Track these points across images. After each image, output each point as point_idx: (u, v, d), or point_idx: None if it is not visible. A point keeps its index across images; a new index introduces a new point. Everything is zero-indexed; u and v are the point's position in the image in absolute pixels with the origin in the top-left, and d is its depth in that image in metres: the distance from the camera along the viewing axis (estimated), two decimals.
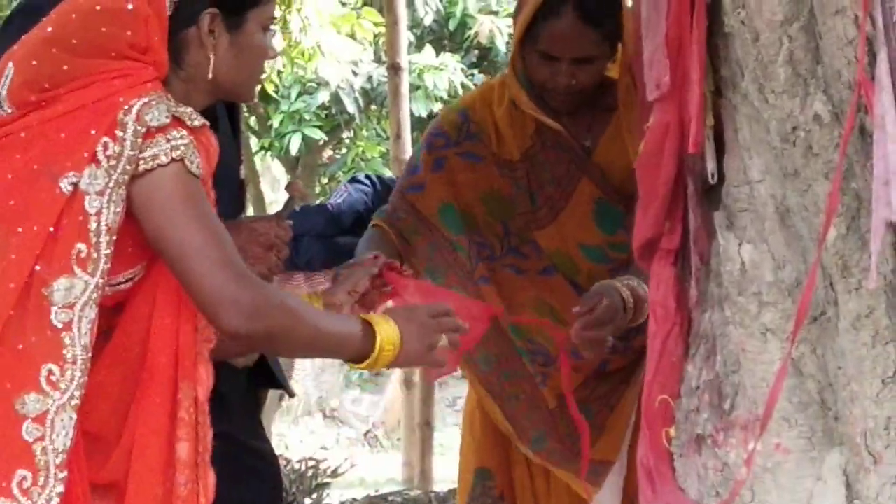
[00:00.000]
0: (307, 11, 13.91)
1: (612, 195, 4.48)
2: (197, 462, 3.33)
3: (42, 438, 3.16)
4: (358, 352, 3.23)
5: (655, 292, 3.31)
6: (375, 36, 14.95)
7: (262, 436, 4.33)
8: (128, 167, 3.09)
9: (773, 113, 2.98)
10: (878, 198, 2.64)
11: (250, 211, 7.02)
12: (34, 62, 3.23)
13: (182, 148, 3.13)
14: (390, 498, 9.85)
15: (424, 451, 10.37)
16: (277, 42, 13.91)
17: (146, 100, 3.13)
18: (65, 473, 3.19)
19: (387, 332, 3.20)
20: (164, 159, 3.11)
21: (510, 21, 18.24)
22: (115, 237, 3.14)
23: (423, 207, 4.59)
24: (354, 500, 9.75)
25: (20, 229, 3.14)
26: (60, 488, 3.17)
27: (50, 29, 3.26)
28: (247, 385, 3.93)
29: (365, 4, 15.09)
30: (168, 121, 3.12)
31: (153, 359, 3.30)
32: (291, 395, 4.39)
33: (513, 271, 4.62)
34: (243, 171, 4.23)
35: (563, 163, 4.52)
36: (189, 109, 3.19)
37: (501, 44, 18.54)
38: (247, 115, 14.78)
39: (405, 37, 11.32)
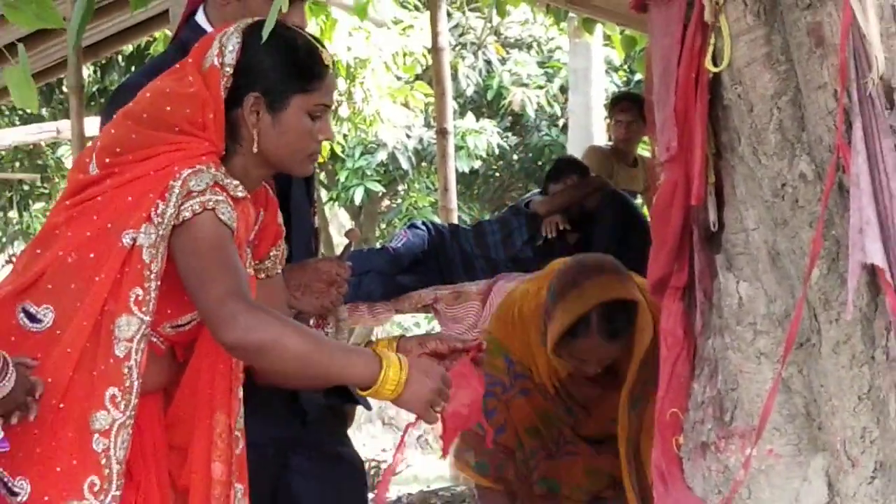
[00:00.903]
0: (368, 84, 13.87)
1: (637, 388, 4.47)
2: (231, 480, 3.37)
3: (108, 450, 3.18)
4: (362, 381, 3.13)
5: (666, 322, 3.30)
6: (426, 105, 14.88)
7: (348, 444, 4.32)
8: (169, 222, 3.11)
9: (765, 172, 2.99)
10: (854, 243, 2.64)
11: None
12: (112, 131, 3.28)
13: (214, 201, 3.13)
14: (440, 493, 9.80)
15: None
16: (343, 111, 13.97)
17: (195, 170, 3.14)
18: (122, 480, 3.21)
19: (394, 373, 3.10)
20: (198, 209, 3.11)
21: (539, 92, 18.18)
22: (160, 282, 3.17)
23: (508, 441, 4.57)
24: (410, 494, 9.71)
25: (97, 278, 3.17)
26: (118, 492, 3.19)
27: (130, 105, 3.31)
28: (326, 400, 3.91)
29: (417, 79, 15.04)
30: (207, 187, 3.14)
31: (198, 393, 3.36)
32: (368, 408, 4.37)
33: (570, 457, 4.67)
34: (316, 220, 4.23)
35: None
36: (235, 182, 3.20)
37: (531, 111, 18.48)
38: (318, 170, 14.76)
39: (451, 105, 11.27)
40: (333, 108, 4.07)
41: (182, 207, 3.11)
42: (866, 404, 2.79)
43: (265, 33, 3.35)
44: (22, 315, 3.22)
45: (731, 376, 3.12)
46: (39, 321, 3.22)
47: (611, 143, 9.45)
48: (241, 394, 3.36)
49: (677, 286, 3.27)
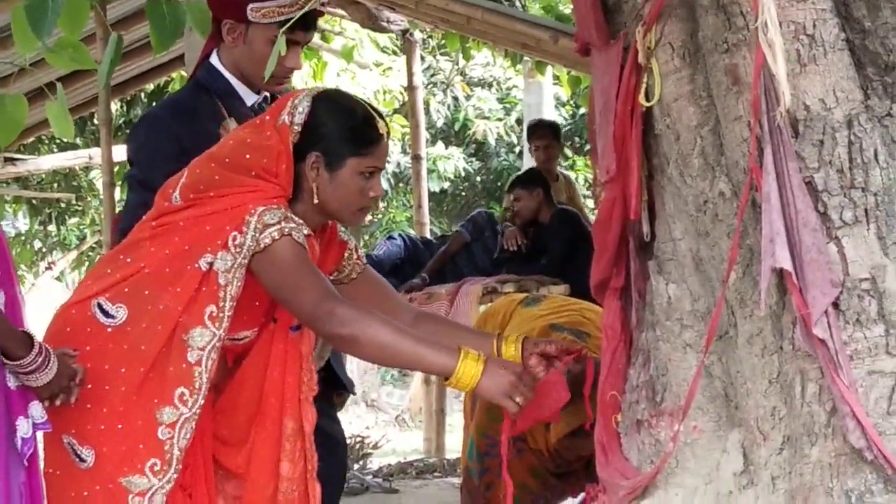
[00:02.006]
0: None
1: None
2: (305, 477, 3.40)
3: (171, 438, 3.23)
4: (441, 371, 3.16)
5: (607, 318, 3.29)
6: (402, 135, 14.88)
7: (336, 422, 4.32)
8: (248, 252, 3.17)
9: (689, 191, 2.99)
10: (765, 251, 2.64)
11: None
12: (197, 171, 3.32)
13: (289, 228, 3.19)
14: (415, 463, 9.79)
15: (439, 430, 10.30)
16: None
17: (267, 207, 3.20)
18: (181, 465, 3.25)
19: (468, 367, 3.10)
20: (276, 235, 3.17)
21: (498, 124, 18.14)
22: (235, 303, 3.22)
23: (493, 500, 4.49)
24: (389, 465, 9.69)
25: (170, 289, 3.21)
26: (176, 475, 3.23)
27: (214, 149, 3.36)
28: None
29: (395, 112, 15.04)
30: (280, 219, 3.18)
31: (266, 399, 3.40)
32: (353, 392, 4.38)
33: None
34: None
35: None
36: (299, 222, 3.23)
37: (492, 140, 18.55)
38: None
39: (423, 135, 11.28)
40: None
41: (261, 236, 3.16)
42: (776, 387, 2.79)
43: (266, 74, 3.37)
44: (97, 310, 3.28)
45: (661, 364, 3.11)
46: (112, 317, 3.28)
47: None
48: (312, 402, 3.41)
49: (616, 287, 3.26)
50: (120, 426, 3.23)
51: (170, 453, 3.23)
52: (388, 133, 3.46)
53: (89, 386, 3.25)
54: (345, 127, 3.32)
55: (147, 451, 3.23)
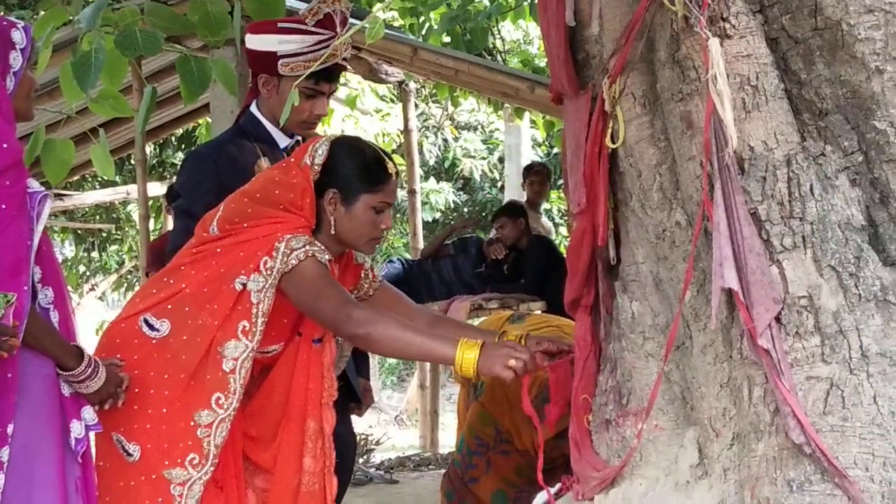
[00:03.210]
0: None
1: None
2: (323, 472, 3.41)
3: (209, 436, 3.26)
4: (446, 359, 3.17)
5: (579, 331, 3.29)
6: (399, 171, 14.88)
7: (349, 425, 4.33)
8: (278, 274, 3.21)
9: (650, 220, 2.99)
10: (715, 273, 2.63)
11: None
12: (232, 205, 3.36)
13: (313, 250, 3.22)
14: (412, 458, 9.77)
15: (433, 429, 10.27)
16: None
17: (293, 235, 3.23)
18: (217, 460, 3.27)
19: (466, 352, 3.10)
20: (302, 257, 3.20)
21: (483, 162, 18.10)
22: (266, 319, 3.24)
23: (480, 492, 4.44)
24: (389, 458, 9.67)
25: (208, 306, 3.25)
26: (212, 468, 3.26)
27: (247, 187, 3.40)
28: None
29: (393, 152, 15.05)
30: (306, 243, 3.21)
31: (291, 403, 3.41)
32: (372, 402, 4.44)
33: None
34: None
35: None
36: (322, 247, 3.26)
37: (477, 176, 18.55)
38: None
39: (418, 171, 11.28)
40: None
41: (289, 259, 3.20)
42: (726, 391, 2.79)
43: (282, 120, 3.38)
44: (143, 324, 3.33)
45: (626, 371, 3.11)
46: (157, 330, 3.32)
47: (525, 198, 9.62)
48: (332, 406, 3.43)
49: (587, 304, 3.26)
50: (164, 426, 3.26)
51: (207, 449, 3.25)
52: (397, 173, 3.48)
53: (136, 390, 3.28)
54: (358, 167, 3.35)
55: (187, 447, 3.25)
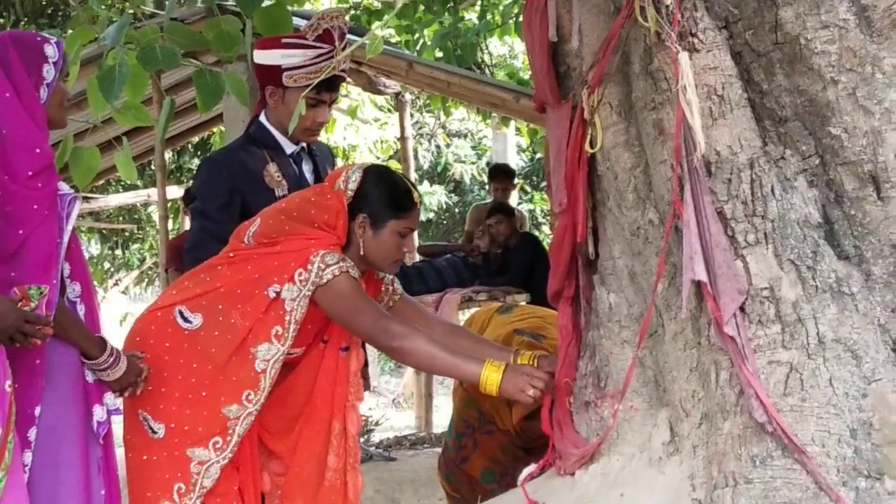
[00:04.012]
0: (357, 162, 13.81)
1: None
2: (345, 468, 3.39)
3: (235, 427, 3.26)
4: (471, 379, 3.18)
5: (561, 320, 3.29)
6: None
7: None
8: (312, 286, 3.19)
9: (625, 219, 3.00)
10: (685, 266, 2.64)
11: None
12: (270, 221, 3.33)
13: (346, 266, 3.20)
14: (408, 437, 9.76)
15: (427, 410, 10.26)
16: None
17: (328, 251, 3.22)
18: (236, 448, 3.27)
19: (490, 374, 3.09)
20: (337, 272, 3.18)
21: (472, 166, 18.10)
22: (298, 325, 3.23)
23: (471, 471, 4.41)
24: (388, 438, 9.66)
25: (239, 307, 3.24)
26: (232, 454, 3.26)
27: (283, 205, 3.38)
28: None
29: (390, 158, 15.02)
30: (339, 260, 3.20)
31: (313, 404, 3.40)
32: (368, 388, 4.42)
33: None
34: None
35: None
36: (352, 264, 3.25)
37: (467, 179, 18.55)
38: None
39: (413, 175, 11.30)
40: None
41: (324, 273, 3.19)
42: (695, 374, 2.79)
43: (290, 129, 3.38)
44: (178, 315, 3.31)
45: (604, 356, 3.11)
46: (190, 322, 3.30)
47: (491, 200, 9.53)
48: (357, 408, 3.41)
49: (568, 296, 3.26)
50: (188, 410, 3.25)
51: (231, 437, 3.25)
52: (421, 202, 3.47)
53: (165, 374, 3.28)
54: (388, 195, 3.33)
55: (212, 432, 3.25)
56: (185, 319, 3.30)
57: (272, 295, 3.22)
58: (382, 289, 3.52)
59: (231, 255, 3.36)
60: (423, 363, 3.29)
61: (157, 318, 3.36)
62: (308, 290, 3.20)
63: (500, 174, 9.68)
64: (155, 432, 3.27)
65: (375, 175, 3.38)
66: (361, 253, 3.31)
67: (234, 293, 3.26)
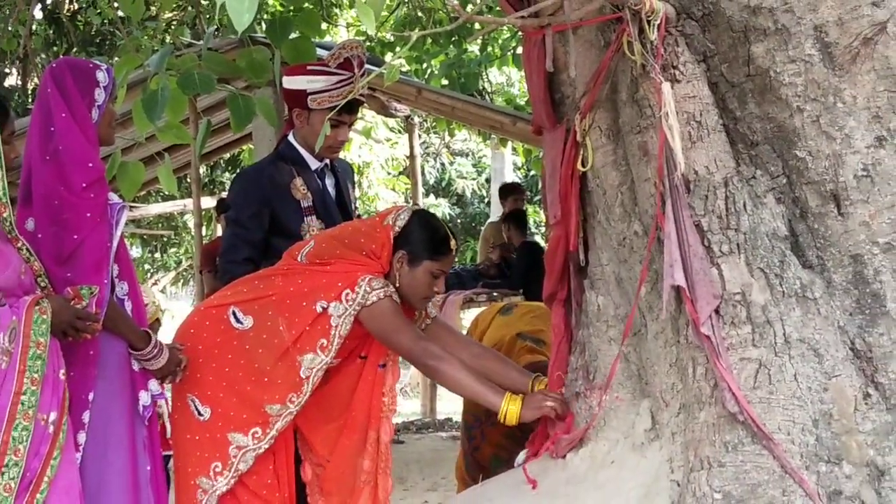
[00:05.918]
0: (371, 177, 13.87)
1: None
2: (377, 472, 3.38)
3: (276, 423, 3.27)
4: (493, 408, 3.19)
5: (554, 320, 3.27)
6: (405, 189, 14.89)
7: None
8: (357, 306, 3.19)
9: (613, 231, 2.99)
10: (666, 273, 2.63)
11: None
12: (324, 245, 3.34)
13: (390, 291, 3.22)
14: (415, 422, 9.77)
15: (432, 398, 10.27)
16: (356, 193, 13.95)
17: (374, 277, 3.22)
18: (273, 440, 3.26)
19: (511, 407, 3.14)
20: (382, 296, 3.19)
21: (473, 182, 18.07)
22: (342, 340, 3.23)
23: (482, 459, 4.37)
24: (396, 423, 9.68)
25: (287, 316, 3.23)
26: (268, 445, 3.26)
27: (337, 231, 3.40)
28: None
29: (400, 174, 15.06)
30: (384, 285, 3.21)
31: (351, 412, 3.40)
32: None
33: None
34: None
35: None
36: (393, 289, 3.25)
37: (469, 193, 18.57)
38: None
39: (420, 190, 11.29)
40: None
41: (370, 295, 3.19)
42: (675, 369, 2.78)
43: (317, 148, 3.39)
44: (231, 315, 3.32)
45: (592, 352, 3.09)
46: (241, 322, 3.31)
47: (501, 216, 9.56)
48: (391, 419, 3.40)
49: (561, 298, 3.25)
50: (234, 399, 3.26)
51: (270, 430, 3.26)
52: (458, 248, 3.47)
53: (213, 364, 3.28)
54: (428, 238, 3.33)
55: (250, 423, 3.25)
56: (238, 320, 3.30)
57: (319, 309, 3.21)
58: (416, 313, 3.50)
59: (285, 268, 3.35)
60: (452, 385, 3.27)
61: (212, 315, 3.35)
62: (354, 309, 3.20)
63: (515, 190, 9.74)
64: (201, 414, 3.27)
65: (421, 218, 3.38)
66: (397, 285, 3.31)
67: (284, 303, 3.25)
